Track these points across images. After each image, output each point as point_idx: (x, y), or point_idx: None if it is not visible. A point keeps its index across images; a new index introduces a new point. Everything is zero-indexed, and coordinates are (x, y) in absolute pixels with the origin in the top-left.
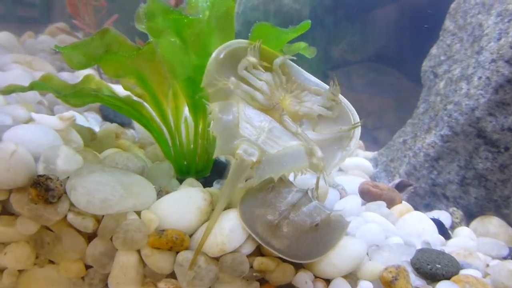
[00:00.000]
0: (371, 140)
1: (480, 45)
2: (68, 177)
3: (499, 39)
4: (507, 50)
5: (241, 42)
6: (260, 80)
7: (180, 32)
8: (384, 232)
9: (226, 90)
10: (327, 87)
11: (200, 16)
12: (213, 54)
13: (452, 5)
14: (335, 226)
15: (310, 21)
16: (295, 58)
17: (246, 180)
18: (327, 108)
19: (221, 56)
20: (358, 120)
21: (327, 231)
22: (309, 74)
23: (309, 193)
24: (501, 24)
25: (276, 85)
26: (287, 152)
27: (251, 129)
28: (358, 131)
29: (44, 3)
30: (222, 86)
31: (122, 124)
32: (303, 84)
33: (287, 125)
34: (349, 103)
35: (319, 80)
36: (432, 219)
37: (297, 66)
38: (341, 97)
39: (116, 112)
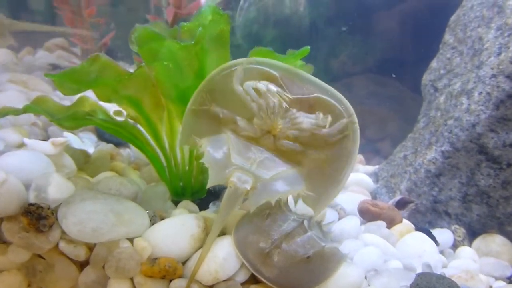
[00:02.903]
0: (372, 152)
1: (480, 59)
2: (60, 204)
3: (499, 54)
4: (508, 65)
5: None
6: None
7: (173, 57)
8: (383, 255)
9: (213, 126)
10: (328, 88)
11: (193, 42)
12: (186, 112)
13: (452, 18)
14: (329, 259)
15: (309, 47)
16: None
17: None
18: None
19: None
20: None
21: (320, 263)
22: (308, 77)
23: (305, 223)
24: (501, 38)
25: (265, 111)
26: (282, 176)
27: (242, 160)
28: (352, 162)
29: (48, 9)
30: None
31: (118, 144)
32: (300, 99)
33: (288, 146)
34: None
35: (319, 82)
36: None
37: (293, 73)
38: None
39: None
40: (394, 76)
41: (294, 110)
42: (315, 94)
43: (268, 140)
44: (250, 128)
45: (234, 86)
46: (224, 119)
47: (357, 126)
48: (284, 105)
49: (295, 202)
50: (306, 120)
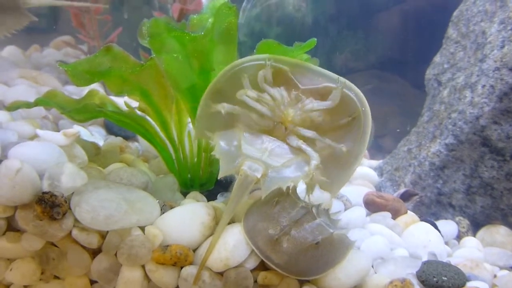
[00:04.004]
0: (376, 147)
1: (484, 53)
2: (73, 193)
3: (502, 47)
4: (511, 58)
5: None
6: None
7: (183, 48)
8: (389, 244)
9: (226, 119)
10: (337, 77)
11: (202, 33)
12: (201, 101)
13: (455, 13)
14: (338, 245)
15: (316, 39)
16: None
17: (252, 192)
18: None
19: (210, 96)
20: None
21: (329, 250)
22: (317, 69)
23: (314, 210)
24: (504, 32)
25: (278, 102)
26: (293, 162)
27: (253, 150)
28: (364, 146)
29: (51, 12)
30: (213, 111)
31: (126, 137)
32: (310, 89)
33: (291, 142)
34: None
35: (327, 73)
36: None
37: (303, 66)
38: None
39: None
40: (397, 73)
41: (304, 99)
42: (324, 84)
43: (281, 130)
44: (263, 121)
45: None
46: (237, 115)
47: (367, 110)
48: (293, 94)
49: (310, 189)
50: (315, 105)
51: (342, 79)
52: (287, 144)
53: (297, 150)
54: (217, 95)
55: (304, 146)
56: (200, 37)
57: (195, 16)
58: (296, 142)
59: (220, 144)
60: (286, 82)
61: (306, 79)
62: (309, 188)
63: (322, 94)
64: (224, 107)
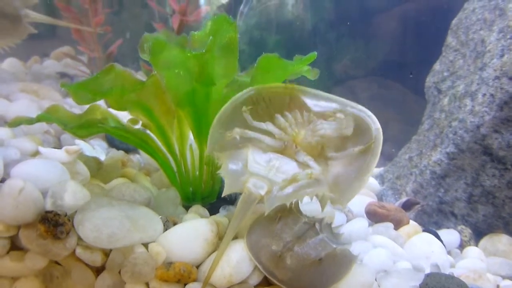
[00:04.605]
0: None
1: (483, 61)
2: (76, 211)
3: (502, 56)
4: (510, 67)
5: (244, 94)
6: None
7: (184, 65)
8: (392, 256)
9: (237, 140)
10: (349, 102)
11: (204, 50)
12: (215, 120)
13: (454, 21)
14: (341, 260)
15: (316, 52)
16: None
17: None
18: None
19: (222, 119)
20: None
21: (332, 265)
22: (325, 96)
23: (317, 226)
24: (503, 40)
25: (290, 123)
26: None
27: (260, 168)
28: (374, 160)
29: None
30: (228, 139)
31: (128, 150)
32: (320, 112)
33: (298, 158)
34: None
35: (336, 98)
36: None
37: (311, 93)
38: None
39: None
40: (411, 75)
41: (317, 121)
42: (336, 107)
43: (291, 148)
44: (275, 143)
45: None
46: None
47: (379, 129)
48: (306, 115)
49: (322, 206)
50: (327, 126)
51: (374, 118)
52: (296, 161)
53: (305, 166)
54: (227, 121)
55: (311, 162)
56: (201, 54)
57: (195, 33)
58: (303, 157)
59: (227, 163)
60: (299, 105)
61: (321, 104)
62: (322, 204)
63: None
64: (237, 133)
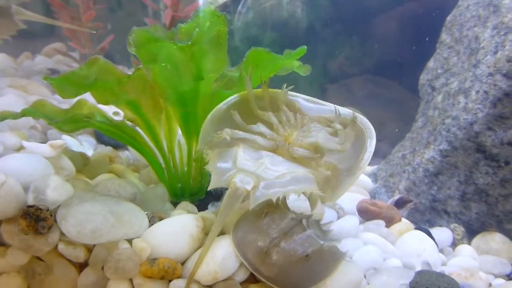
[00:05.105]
0: None
1: (477, 58)
2: (59, 206)
3: (495, 52)
4: (504, 63)
5: (238, 96)
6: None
7: (171, 58)
8: (383, 254)
9: (226, 140)
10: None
11: (190, 42)
12: (208, 117)
13: (448, 18)
14: (328, 257)
15: (305, 46)
16: (296, 98)
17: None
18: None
19: (216, 116)
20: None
21: (320, 262)
22: (318, 102)
23: (304, 222)
24: (497, 37)
25: (282, 124)
26: (288, 176)
27: (249, 165)
28: (368, 156)
29: (47, 14)
30: (218, 140)
31: (117, 146)
32: (314, 116)
33: (300, 153)
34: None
35: (330, 105)
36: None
37: (304, 98)
38: (362, 121)
39: None
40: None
41: (311, 124)
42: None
43: (283, 149)
44: (267, 143)
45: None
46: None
47: (371, 130)
48: (299, 117)
49: (311, 204)
50: (320, 135)
51: (364, 120)
52: (288, 158)
53: (297, 163)
54: (221, 119)
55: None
56: (187, 47)
57: (183, 25)
58: (301, 151)
59: (216, 159)
60: (294, 110)
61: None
62: (312, 204)
63: (327, 123)
64: (227, 133)
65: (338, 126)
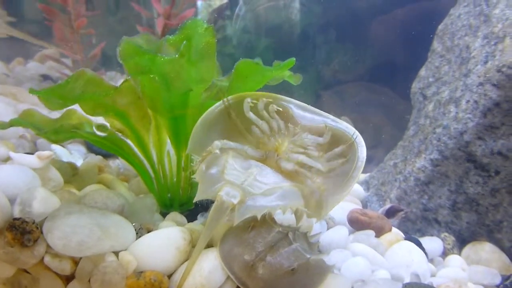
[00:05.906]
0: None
1: (468, 67)
2: (45, 218)
3: (486, 62)
4: (494, 73)
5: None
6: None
7: (159, 70)
8: (371, 265)
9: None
10: (334, 118)
11: (177, 55)
12: (199, 121)
13: (440, 27)
14: (315, 270)
15: (294, 58)
16: (289, 104)
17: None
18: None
19: (207, 121)
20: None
21: (306, 275)
22: (312, 110)
23: (291, 235)
24: (488, 47)
25: (273, 132)
26: (276, 191)
27: (238, 174)
28: (358, 170)
29: (45, 19)
30: (207, 153)
31: (107, 156)
32: (306, 125)
33: (287, 168)
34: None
35: (323, 114)
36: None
37: (297, 104)
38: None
39: None
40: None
41: (301, 133)
42: (323, 123)
43: (273, 158)
44: (256, 153)
45: (246, 114)
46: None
47: (363, 148)
48: (291, 126)
49: (297, 220)
50: (308, 140)
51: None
52: (277, 170)
53: (287, 177)
54: (211, 124)
55: (301, 169)
56: (176, 60)
57: (170, 37)
58: (291, 166)
59: (202, 168)
60: (287, 118)
61: (307, 118)
62: (297, 219)
63: (321, 134)
64: (217, 146)
65: (325, 141)
